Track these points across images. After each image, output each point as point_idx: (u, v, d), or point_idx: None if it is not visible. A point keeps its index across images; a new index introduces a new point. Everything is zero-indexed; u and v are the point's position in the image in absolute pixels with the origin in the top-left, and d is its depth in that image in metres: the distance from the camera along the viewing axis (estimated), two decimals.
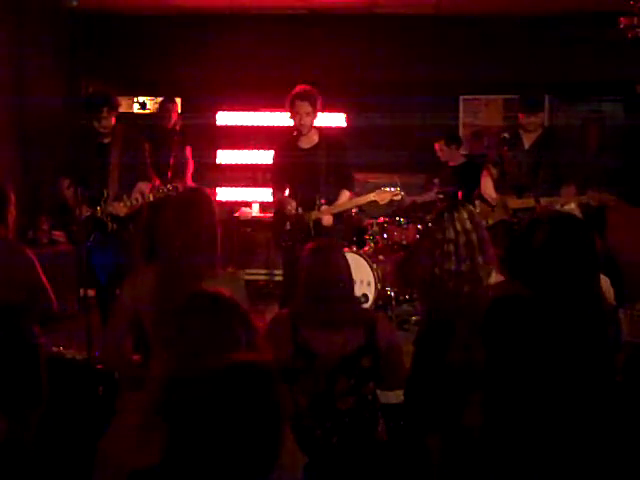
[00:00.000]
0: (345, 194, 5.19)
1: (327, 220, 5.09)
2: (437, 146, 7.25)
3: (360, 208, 6.42)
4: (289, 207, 5.11)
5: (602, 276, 3.01)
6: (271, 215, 6.01)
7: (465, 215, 3.24)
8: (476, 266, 3.18)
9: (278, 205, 5.29)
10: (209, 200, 3.08)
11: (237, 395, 1.62)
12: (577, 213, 4.83)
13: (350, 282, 3.10)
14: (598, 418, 2.45)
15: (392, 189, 5.33)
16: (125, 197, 5.02)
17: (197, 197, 3.10)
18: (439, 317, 3.23)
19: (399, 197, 5.40)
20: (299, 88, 5.07)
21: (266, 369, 1.70)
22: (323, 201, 5.10)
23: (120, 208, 5.00)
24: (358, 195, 5.59)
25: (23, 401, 3.58)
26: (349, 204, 5.35)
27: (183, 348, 2.14)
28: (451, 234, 3.20)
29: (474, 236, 3.22)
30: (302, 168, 5.06)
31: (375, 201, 5.32)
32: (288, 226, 5.16)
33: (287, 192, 5.29)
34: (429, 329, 3.30)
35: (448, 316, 3.19)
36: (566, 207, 4.98)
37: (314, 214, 5.09)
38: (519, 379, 2.31)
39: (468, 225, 3.23)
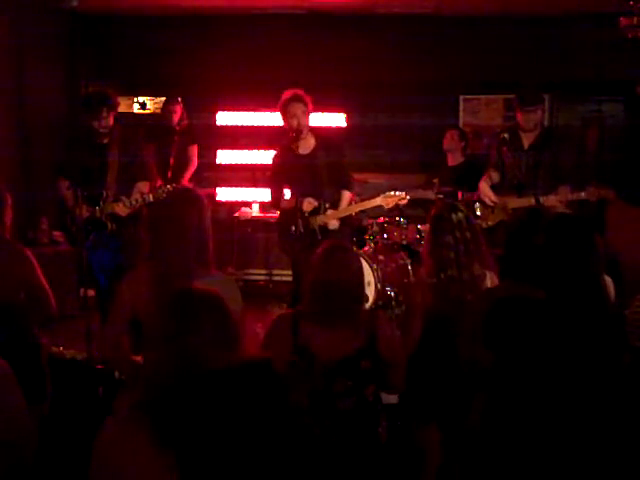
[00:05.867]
0: (346, 195, 5.20)
1: (333, 224, 5.10)
2: (449, 134, 7.12)
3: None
4: (305, 205, 5.07)
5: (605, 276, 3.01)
6: (272, 216, 5.97)
7: (462, 218, 3.26)
8: (475, 270, 3.20)
9: (285, 209, 5.28)
10: (199, 200, 3.07)
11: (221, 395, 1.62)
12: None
13: (357, 285, 3.08)
14: (602, 419, 2.45)
15: (398, 193, 5.32)
16: (124, 198, 5.03)
17: (186, 197, 3.09)
18: (439, 319, 3.24)
19: (405, 201, 5.37)
20: (289, 92, 5.08)
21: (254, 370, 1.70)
22: (328, 205, 5.10)
23: (121, 208, 5.01)
24: (358, 195, 5.57)
25: (27, 401, 3.57)
26: (355, 207, 5.34)
27: (165, 347, 2.12)
28: (450, 240, 3.22)
29: (471, 240, 3.24)
30: (303, 174, 5.07)
31: (381, 205, 5.32)
32: (293, 229, 5.15)
33: (288, 196, 5.29)
34: (428, 332, 3.30)
35: (448, 318, 3.19)
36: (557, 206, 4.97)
37: (320, 219, 5.09)
38: (524, 379, 2.31)
39: (465, 229, 3.25)
